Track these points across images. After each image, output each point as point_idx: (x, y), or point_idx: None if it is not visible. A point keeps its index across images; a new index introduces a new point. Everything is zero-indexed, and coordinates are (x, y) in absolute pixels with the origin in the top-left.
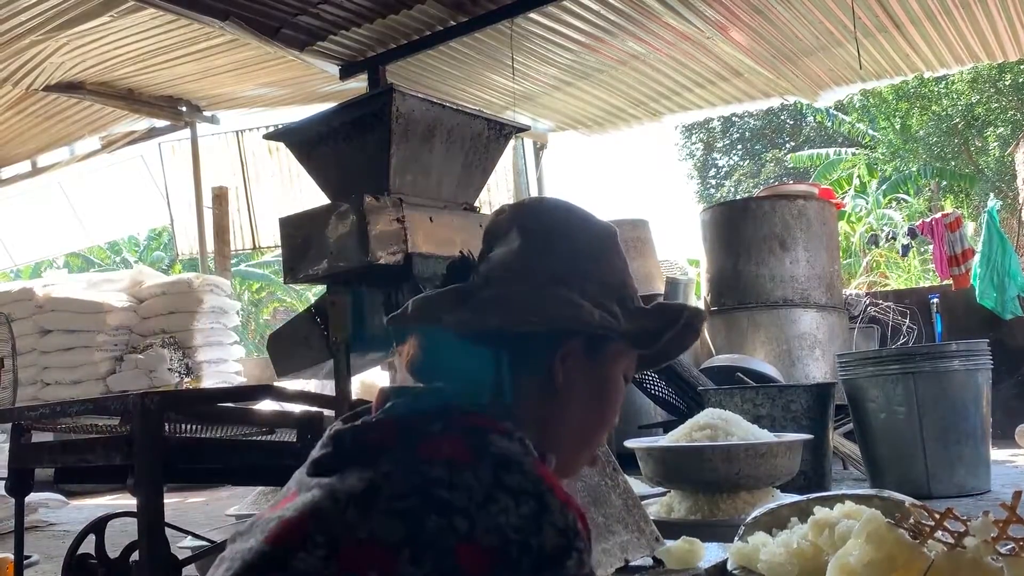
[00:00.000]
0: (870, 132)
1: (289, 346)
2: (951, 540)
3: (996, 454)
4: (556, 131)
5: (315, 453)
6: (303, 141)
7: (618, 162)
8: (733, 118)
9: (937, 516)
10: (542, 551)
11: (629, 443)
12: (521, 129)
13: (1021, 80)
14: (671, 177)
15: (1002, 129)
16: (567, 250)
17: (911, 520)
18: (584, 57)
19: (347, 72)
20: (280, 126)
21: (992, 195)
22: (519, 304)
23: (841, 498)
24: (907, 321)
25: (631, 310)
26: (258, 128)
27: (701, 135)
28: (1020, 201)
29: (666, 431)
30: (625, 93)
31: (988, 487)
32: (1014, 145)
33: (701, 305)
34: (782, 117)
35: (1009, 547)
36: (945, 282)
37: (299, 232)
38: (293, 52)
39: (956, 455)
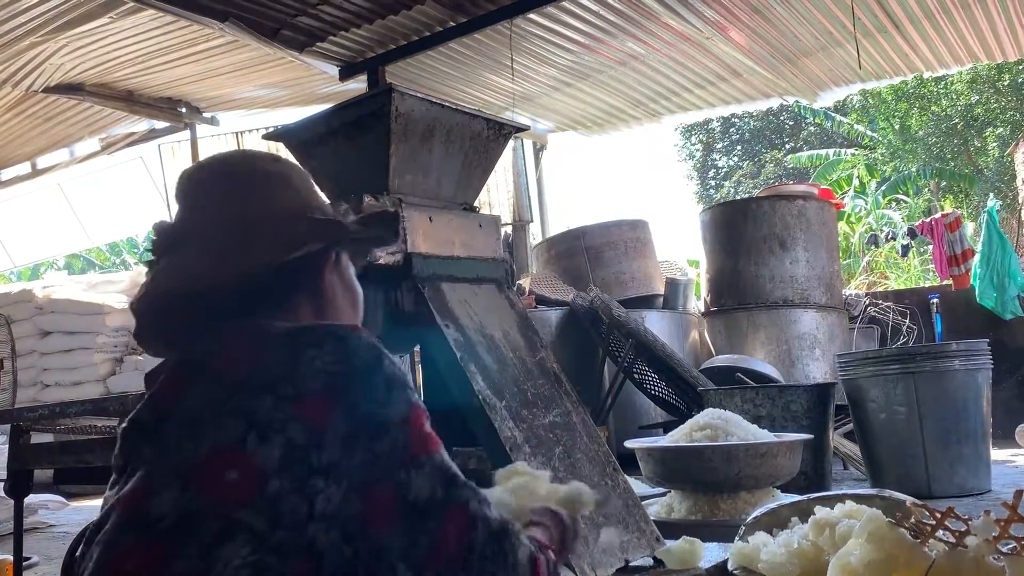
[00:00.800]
0: (869, 133)
1: None
2: (952, 539)
3: (996, 454)
4: (556, 131)
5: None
6: (302, 142)
7: (618, 163)
8: (733, 119)
9: (938, 515)
10: (364, 364)
11: (629, 443)
12: (520, 129)
13: (1020, 80)
14: (671, 178)
15: (1001, 129)
16: (286, 187)
17: (912, 520)
18: (583, 58)
19: (347, 73)
20: (279, 127)
21: (992, 195)
22: (288, 231)
23: (842, 498)
24: (907, 321)
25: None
26: (258, 129)
27: (701, 136)
28: (1020, 201)
29: (666, 431)
30: (624, 94)
31: (989, 487)
32: (1013, 145)
33: (701, 306)
34: (781, 118)
35: (1011, 546)
36: (945, 282)
37: None
38: (293, 53)
39: (956, 455)
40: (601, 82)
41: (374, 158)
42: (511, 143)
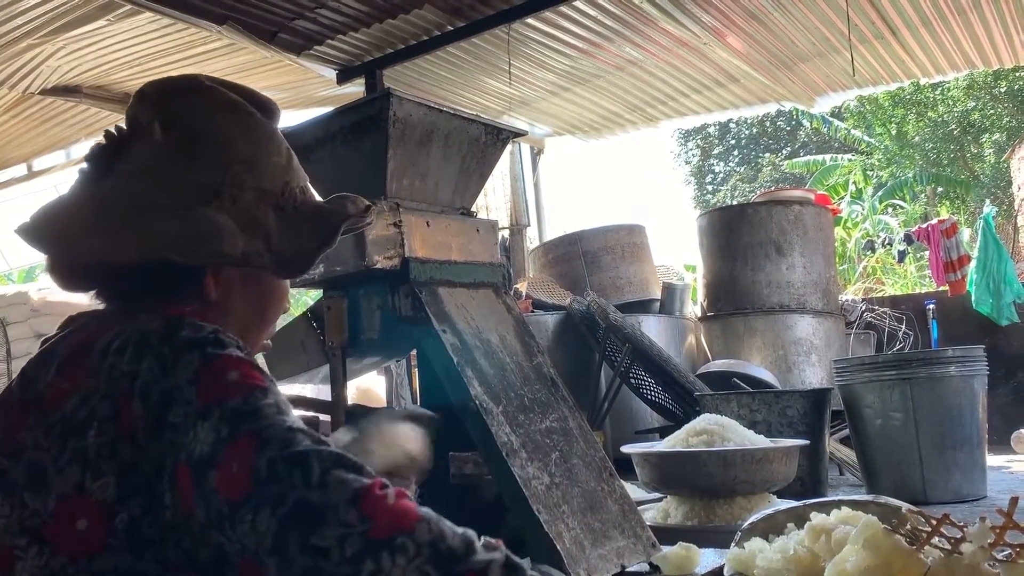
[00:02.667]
0: (866, 138)
1: (285, 351)
2: (948, 546)
3: (992, 460)
4: (553, 136)
5: None
6: (299, 145)
7: (615, 167)
8: (730, 124)
9: (934, 522)
10: (152, 339)
11: (625, 448)
12: (518, 134)
13: (1016, 87)
14: (668, 183)
15: (998, 135)
16: (217, 154)
17: (908, 526)
18: (581, 62)
19: (344, 76)
20: None
21: (988, 201)
22: (157, 234)
23: (838, 504)
24: (903, 327)
25: (290, 216)
26: None
27: (698, 141)
28: (1016, 207)
29: (662, 436)
30: (622, 98)
31: (984, 493)
32: (1009, 151)
33: (698, 311)
34: (778, 123)
35: (1006, 553)
36: (941, 288)
37: None
38: (290, 57)
39: (952, 461)
40: (598, 87)
41: (372, 162)
42: (508, 147)
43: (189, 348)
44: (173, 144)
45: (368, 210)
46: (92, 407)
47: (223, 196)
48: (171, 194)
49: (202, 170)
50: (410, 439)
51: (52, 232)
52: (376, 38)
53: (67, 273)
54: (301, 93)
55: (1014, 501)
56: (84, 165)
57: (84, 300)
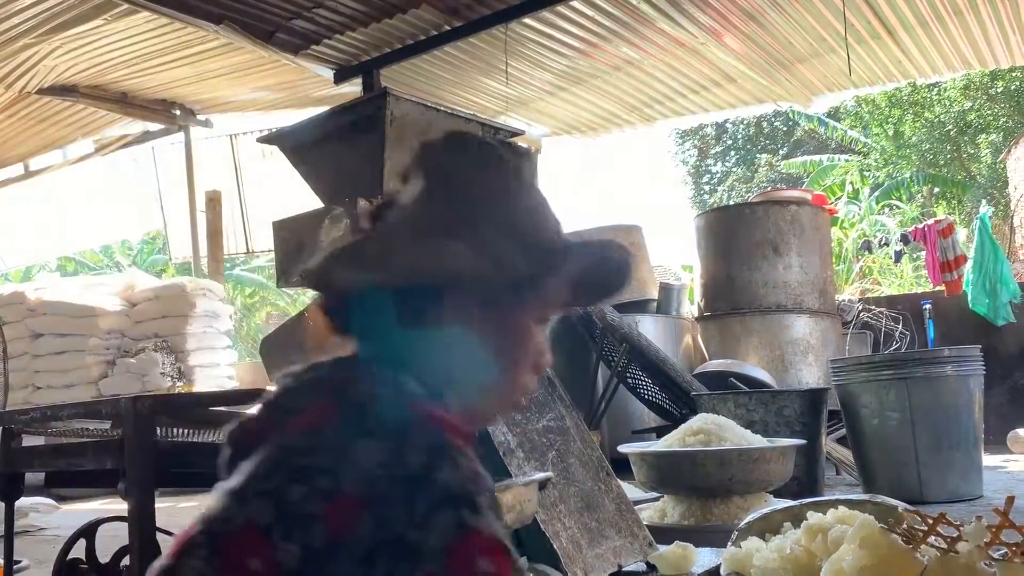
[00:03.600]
0: (863, 139)
1: (283, 350)
2: (944, 545)
3: (988, 459)
4: (550, 136)
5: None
6: (297, 144)
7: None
8: (727, 124)
9: (930, 521)
10: (414, 468)
11: (623, 448)
12: (515, 133)
13: (1013, 87)
14: (665, 183)
15: (994, 136)
16: (465, 194)
17: (904, 525)
18: (578, 62)
19: (341, 76)
20: (274, 129)
21: (984, 202)
22: (398, 259)
23: (834, 503)
24: (900, 327)
25: (536, 253)
26: (252, 132)
27: (695, 141)
28: (1012, 207)
29: (660, 436)
30: (619, 98)
31: (980, 492)
32: (1006, 152)
33: (695, 311)
34: (775, 123)
35: (1002, 552)
36: (938, 288)
37: (293, 236)
38: (287, 56)
39: (949, 460)
40: (596, 87)
41: (369, 161)
42: None
43: (444, 504)
44: (428, 187)
45: (623, 259)
46: (312, 466)
47: (463, 230)
48: (421, 228)
49: (449, 207)
50: None
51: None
52: (373, 38)
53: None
54: (298, 93)
55: (1010, 500)
56: None
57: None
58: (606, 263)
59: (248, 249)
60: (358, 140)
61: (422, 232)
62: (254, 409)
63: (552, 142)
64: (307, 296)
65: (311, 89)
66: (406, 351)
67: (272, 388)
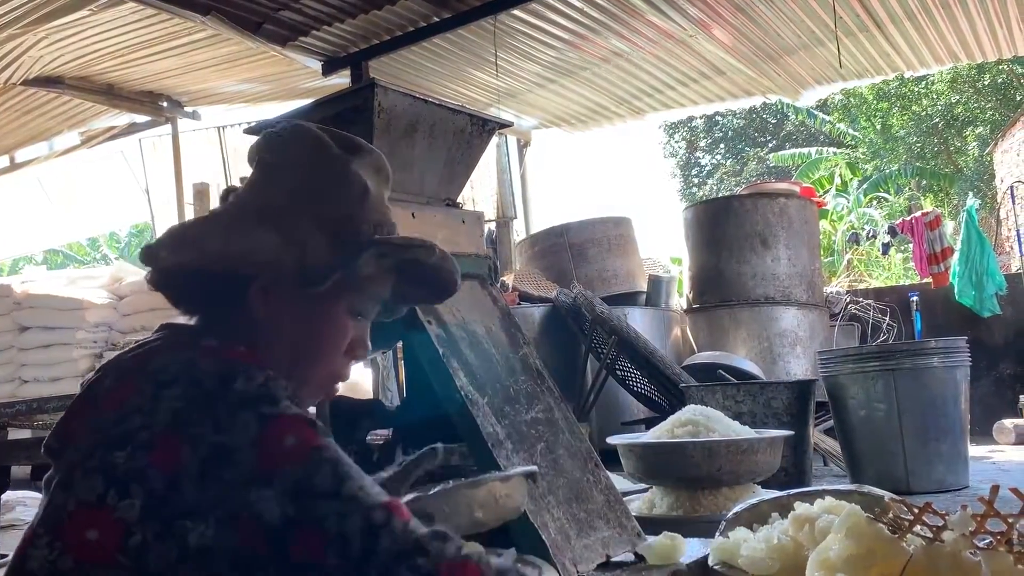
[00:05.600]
0: (851, 131)
1: None
2: (930, 534)
3: (974, 450)
4: (539, 128)
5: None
6: None
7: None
8: (716, 117)
9: (916, 511)
10: (207, 390)
11: (611, 439)
12: (504, 125)
13: (1000, 80)
14: (654, 175)
15: (981, 129)
16: (283, 184)
17: (890, 515)
18: (567, 54)
19: (330, 68)
20: (261, 121)
21: (971, 194)
22: (210, 244)
23: (821, 494)
24: (887, 319)
25: (346, 245)
26: (240, 124)
27: (684, 133)
28: (998, 200)
29: (648, 428)
30: (608, 91)
31: (966, 483)
32: (992, 144)
33: (684, 303)
34: (764, 116)
35: (987, 541)
36: (925, 280)
37: None
38: (275, 47)
39: (935, 451)
40: (585, 79)
41: None
42: (495, 139)
43: (243, 405)
44: (257, 175)
45: (431, 250)
46: (129, 428)
47: (277, 218)
48: (236, 214)
49: (268, 196)
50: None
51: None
52: (362, 29)
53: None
54: (286, 85)
55: (995, 490)
56: None
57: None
58: (422, 264)
59: None
60: (346, 131)
61: (236, 219)
62: (62, 413)
63: (542, 134)
64: None
65: (299, 81)
66: (218, 325)
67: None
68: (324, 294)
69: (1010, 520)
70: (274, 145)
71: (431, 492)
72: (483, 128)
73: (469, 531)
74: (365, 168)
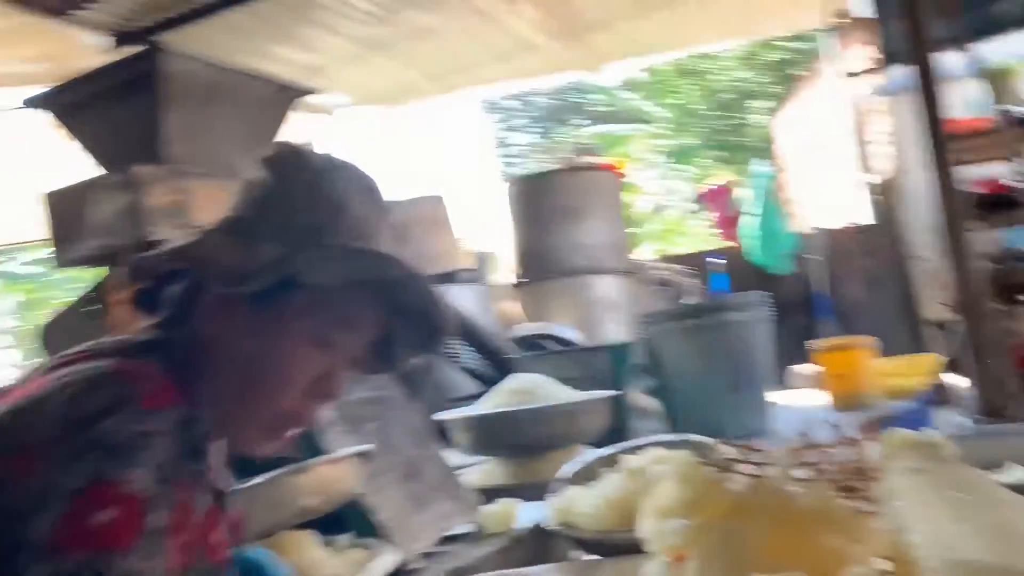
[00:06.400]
0: (654, 109)
1: (66, 337)
2: (755, 472)
3: (777, 396)
4: (349, 105)
5: None
6: (67, 106)
7: (415, 138)
8: (530, 96)
9: (741, 449)
10: (73, 421)
11: (439, 415)
12: (308, 91)
13: (779, 59)
14: (470, 154)
15: (765, 102)
16: (256, 197)
17: (717, 457)
18: (376, 29)
19: (122, 43)
20: (40, 93)
21: (758, 161)
22: (173, 247)
23: (651, 446)
24: (695, 281)
25: (312, 257)
26: (17, 109)
27: (499, 113)
28: (778, 166)
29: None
30: (419, 67)
31: (773, 426)
32: (772, 116)
33: (510, 278)
34: (572, 95)
35: (807, 474)
36: (728, 244)
37: (68, 209)
38: (52, 21)
39: (745, 400)
40: (395, 55)
41: (145, 124)
42: (301, 117)
43: (88, 451)
44: (245, 191)
45: (391, 262)
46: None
47: (239, 224)
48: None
49: (243, 207)
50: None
51: None
52: (153, 2)
53: None
54: (70, 64)
55: (805, 432)
56: None
57: None
58: (399, 286)
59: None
60: (133, 101)
61: (211, 229)
62: None
63: (351, 111)
64: (90, 277)
65: (86, 60)
66: (165, 338)
67: None
68: (280, 310)
69: (825, 451)
70: (260, 163)
71: (251, 483)
72: (286, 94)
73: (298, 520)
74: (344, 184)
